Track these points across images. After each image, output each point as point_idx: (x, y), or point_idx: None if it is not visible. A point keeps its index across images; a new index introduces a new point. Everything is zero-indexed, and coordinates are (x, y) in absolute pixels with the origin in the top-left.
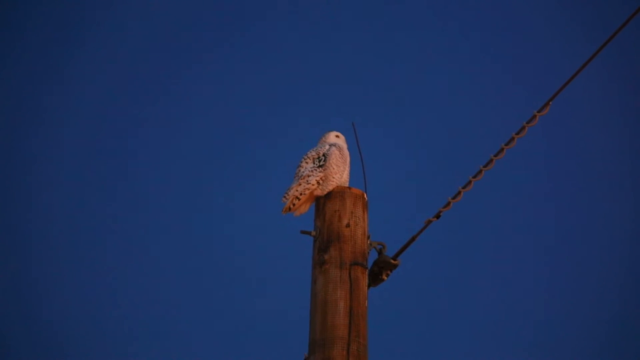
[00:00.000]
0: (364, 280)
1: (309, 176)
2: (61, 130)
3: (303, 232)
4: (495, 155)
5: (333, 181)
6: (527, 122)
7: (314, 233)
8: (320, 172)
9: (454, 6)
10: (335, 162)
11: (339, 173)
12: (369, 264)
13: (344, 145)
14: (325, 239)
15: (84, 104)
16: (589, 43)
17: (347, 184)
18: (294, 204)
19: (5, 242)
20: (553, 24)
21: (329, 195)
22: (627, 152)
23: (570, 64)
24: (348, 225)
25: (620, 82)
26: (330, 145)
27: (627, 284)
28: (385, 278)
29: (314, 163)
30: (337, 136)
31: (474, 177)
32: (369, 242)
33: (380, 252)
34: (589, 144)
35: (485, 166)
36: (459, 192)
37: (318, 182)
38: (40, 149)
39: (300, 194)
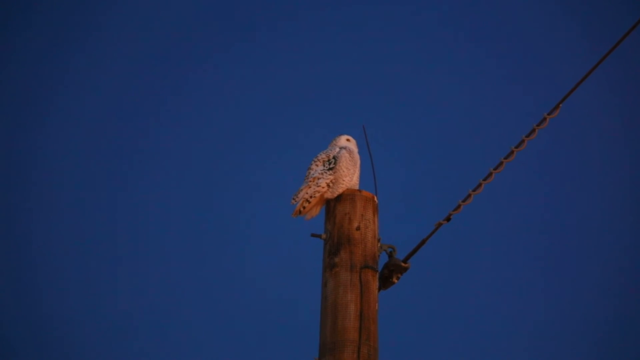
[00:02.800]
0: (375, 283)
1: (318, 179)
2: (66, 129)
3: (313, 235)
4: (505, 158)
5: (343, 184)
6: (537, 125)
7: (324, 236)
8: (330, 174)
9: (465, 12)
10: (345, 165)
11: (349, 176)
12: (380, 267)
13: (355, 149)
14: (335, 242)
15: (89, 105)
16: (593, 47)
17: (357, 187)
18: (304, 207)
19: (9, 242)
20: (558, 30)
21: (339, 198)
22: (627, 155)
23: (575, 68)
24: (358, 228)
25: (619, 85)
26: (341, 148)
27: (627, 285)
28: (395, 281)
29: (324, 166)
30: (347, 140)
31: (484, 180)
32: (379, 245)
33: (390, 255)
34: (589, 147)
35: (495, 169)
36: (469, 195)
37: (328, 185)
38: (47, 148)
39: (311, 197)
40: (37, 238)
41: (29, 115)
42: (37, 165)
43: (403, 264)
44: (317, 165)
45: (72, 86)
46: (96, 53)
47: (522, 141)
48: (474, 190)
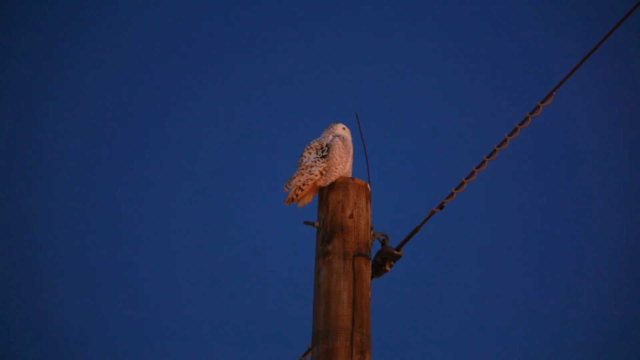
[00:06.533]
0: (368, 271)
1: (311, 166)
2: (71, 129)
3: (306, 222)
4: (499, 146)
5: (336, 172)
6: (531, 113)
7: (317, 224)
8: (323, 162)
9: (459, 6)
10: (338, 153)
11: (342, 164)
12: (373, 255)
13: (349, 137)
14: (328, 230)
15: (93, 105)
16: (583, 42)
17: (350, 175)
18: (297, 195)
19: (15, 242)
20: (552, 22)
21: (333, 186)
22: (623, 151)
23: (569, 59)
24: (351, 216)
25: (613, 81)
26: (335, 136)
27: (625, 284)
28: (388, 269)
29: (317, 153)
30: (343, 128)
31: (477, 167)
32: (372, 233)
33: (383, 243)
34: (584, 138)
35: (488, 157)
36: (462, 183)
37: (321, 173)
38: (51, 148)
39: (303, 184)
40: (40, 238)
41: (33, 115)
42: (41, 165)
43: (396, 252)
44: (309, 153)
45: (76, 86)
46: (101, 52)
47: (515, 129)
48: (467, 179)
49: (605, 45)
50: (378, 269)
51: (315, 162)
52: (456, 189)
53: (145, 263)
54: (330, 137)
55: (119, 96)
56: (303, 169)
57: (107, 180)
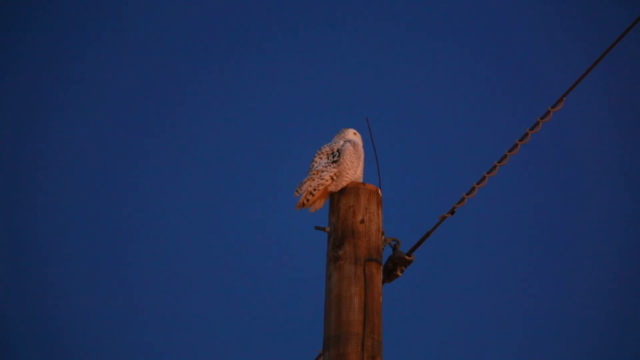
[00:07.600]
0: (379, 276)
1: (322, 171)
2: (73, 131)
3: (317, 228)
4: (510, 151)
5: (347, 177)
6: (541, 118)
7: (328, 229)
8: (334, 167)
9: (467, 15)
10: (349, 158)
11: (353, 169)
12: (384, 260)
13: (360, 142)
14: (339, 235)
15: (95, 107)
16: (594, 46)
17: (361, 180)
18: (307, 200)
19: (15, 242)
20: (561, 28)
21: (344, 191)
22: (623, 152)
23: (577, 66)
24: (362, 221)
25: (624, 86)
26: (346, 141)
27: (624, 284)
28: (399, 274)
29: (327, 159)
30: (354, 133)
31: (488, 172)
32: (383, 238)
33: (394, 248)
34: (596, 148)
35: (499, 162)
36: (473, 188)
37: (332, 178)
38: (54, 149)
39: (314, 190)
40: (41, 238)
41: (35, 117)
42: (43, 165)
43: (407, 257)
44: (320, 158)
45: (79, 86)
46: (107, 53)
47: (526, 134)
48: (477, 184)
49: (616, 50)
50: (389, 274)
51: (326, 167)
52: (467, 194)
53: (152, 266)
54: (341, 142)
55: (126, 97)
56: (314, 174)
57: (110, 181)
